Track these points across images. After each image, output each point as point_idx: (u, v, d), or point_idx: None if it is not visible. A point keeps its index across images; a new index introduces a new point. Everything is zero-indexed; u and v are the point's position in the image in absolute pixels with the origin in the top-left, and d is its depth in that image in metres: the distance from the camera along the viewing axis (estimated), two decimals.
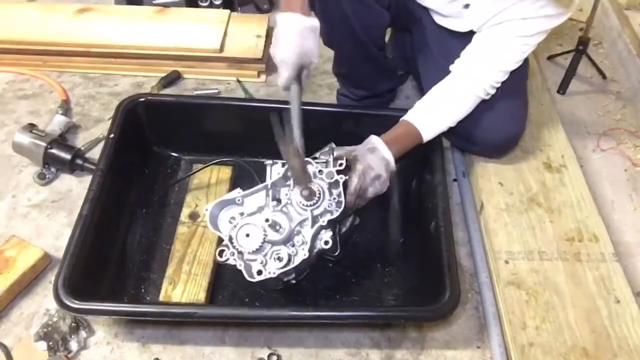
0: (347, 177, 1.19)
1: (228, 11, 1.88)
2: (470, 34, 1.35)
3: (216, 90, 1.76)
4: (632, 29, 1.85)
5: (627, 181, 1.59)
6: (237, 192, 1.22)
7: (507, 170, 1.47)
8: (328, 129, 1.45)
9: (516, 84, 1.40)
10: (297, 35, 1.10)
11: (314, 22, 1.12)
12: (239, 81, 1.76)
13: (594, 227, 1.36)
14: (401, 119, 1.33)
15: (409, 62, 1.73)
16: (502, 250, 1.31)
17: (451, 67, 1.35)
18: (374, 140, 1.27)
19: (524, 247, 1.32)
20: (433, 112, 1.33)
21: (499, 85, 1.34)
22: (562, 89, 1.82)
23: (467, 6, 1.32)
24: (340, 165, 1.21)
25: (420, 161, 1.39)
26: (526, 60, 1.37)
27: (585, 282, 1.25)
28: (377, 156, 1.23)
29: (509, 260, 1.29)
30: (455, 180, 1.55)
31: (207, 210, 1.19)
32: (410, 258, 1.36)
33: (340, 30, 1.38)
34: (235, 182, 1.47)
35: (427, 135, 1.31)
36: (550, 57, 1.93)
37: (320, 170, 1.20)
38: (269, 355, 1.20)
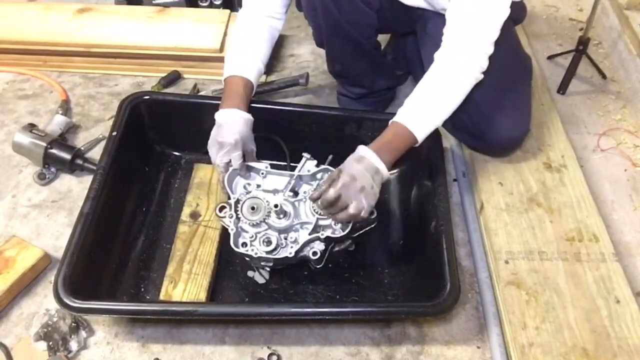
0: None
1: (228, 11, 1.88)
2: None
3: None
4: (632, 29, 1.85)
5: (627, 181, 1.59)
6: (264, 166, 1.28)
7: (507, 170, 1.47)
8: (329, 132, 1.46)
9: (525, 82, 1.40)
10: (237, 124, 1.26)
11: (249, 116, 1.28)
12: None
13: (594, 227, 1.35)
14: (390, 121, 1.23)
15: (409, 63, 1.74)
16: (502, 250, 1.31)
17: (435, 55, 1.24)
18: (361, 149, 1.19)
19: (524, 247, 1.32)
20: (424, 109, 1.22)
21: (489, 53, 1.21)
22: (562, 89, 1.82)
23: None
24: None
25: (420, 162, 1.39)
26: (529, 58, 1.34)
27: (585, 282, 1.25)
28: (363, 166, 1.15)
29: (509, 260, 1.29)
30: (455, 180, 1.55)
31: (231, 168, 1.25)
32: (410, 259, 1.36)
33: (329, 28, 1.39)
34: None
35: (421, 134, 1.21)
36: (550, 57, 1.93)
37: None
38: (269, 355, 1.20)
